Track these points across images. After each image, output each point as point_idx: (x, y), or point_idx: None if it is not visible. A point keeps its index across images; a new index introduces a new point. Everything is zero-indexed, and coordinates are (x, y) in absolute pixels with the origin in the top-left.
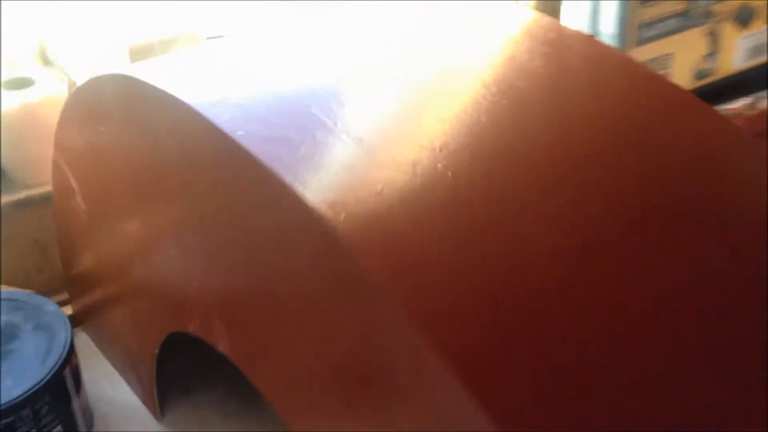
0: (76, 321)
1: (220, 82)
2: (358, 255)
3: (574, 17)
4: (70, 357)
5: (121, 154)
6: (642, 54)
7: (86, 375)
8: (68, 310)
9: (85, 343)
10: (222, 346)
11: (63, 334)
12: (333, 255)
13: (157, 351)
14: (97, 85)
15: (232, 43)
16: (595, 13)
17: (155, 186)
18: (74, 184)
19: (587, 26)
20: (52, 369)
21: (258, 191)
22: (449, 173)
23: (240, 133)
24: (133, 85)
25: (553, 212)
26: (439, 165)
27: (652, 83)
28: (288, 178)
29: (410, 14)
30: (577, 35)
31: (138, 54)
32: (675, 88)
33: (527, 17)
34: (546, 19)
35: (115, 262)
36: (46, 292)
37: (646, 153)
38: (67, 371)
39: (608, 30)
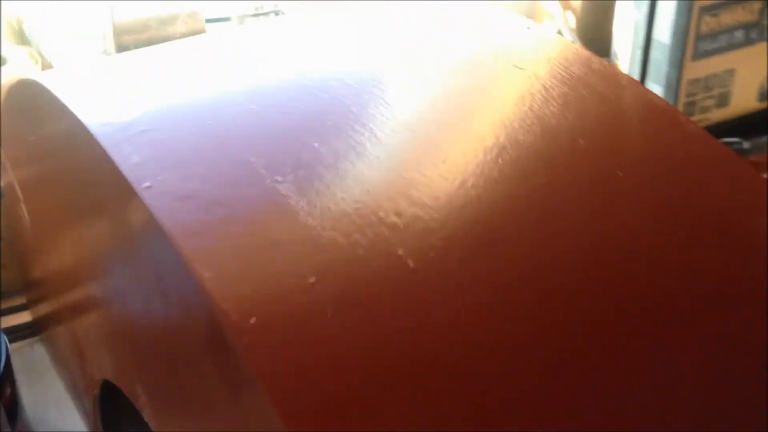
0: (35, 329)
1: (150, 104)
2: (264, 386)
3: (626, 21)
4: (2, 389)
5: (48, 169)
6: (700, 69)
7: (34, 396)
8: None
9: (40, 357)
10: (145, 415)
11: None
12: (233, 372)
13: (97, 392)
14: (23, 89)
15: (195, 46)
16: (650, 18)
17: (72, 214)
18: (18, 193)
19: (640, 32)
20: None
21: (158, 264)
22: (410, 263)
23: (146, 184)
24: (46, 97)
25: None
26: (400, 251)
27: (696, 151)
28: (192, 259)
29: (407, 21)
30: (608, 73)
31: (127, 32)
32: (724, 154)
33: (550, 43)
34: (572, 49)
35: (56, 282)
36: (10, 291)
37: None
38: None
39: (663, 38)
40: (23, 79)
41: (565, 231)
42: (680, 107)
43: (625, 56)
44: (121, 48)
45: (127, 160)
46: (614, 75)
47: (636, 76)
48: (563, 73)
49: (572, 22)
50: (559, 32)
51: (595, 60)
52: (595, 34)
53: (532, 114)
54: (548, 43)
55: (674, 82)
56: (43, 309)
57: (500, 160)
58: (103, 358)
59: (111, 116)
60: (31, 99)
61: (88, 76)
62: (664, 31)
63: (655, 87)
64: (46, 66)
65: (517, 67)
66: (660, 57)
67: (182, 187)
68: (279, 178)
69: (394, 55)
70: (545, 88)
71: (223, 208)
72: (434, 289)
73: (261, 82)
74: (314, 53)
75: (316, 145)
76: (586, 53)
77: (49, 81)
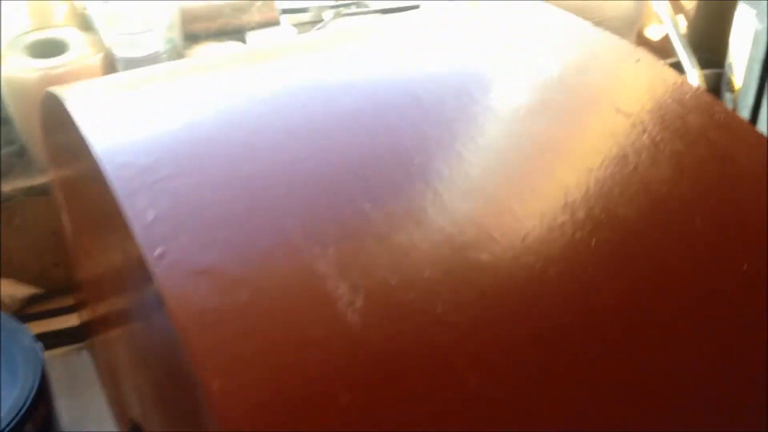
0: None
1: (179, 140)
2: None
3: (745, 31)
4: (34, 409)
5: (75, 184)
6: None
7: (73, 410)
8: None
9: (85, 365)
10: None
11: (30, 378)
12: None
13: (130, 430)
14: (52, 101)
15: (243, 62)
16: None
17: (94, 239)
18: (61, 200)
19: (760, 45)
20: (8, 425)
21: (168, 352)
22: (471, 379)
23: (159, 251)
24: (69, 120)
25: None
26: (459, 361)
27: None
28: (201, 361)
29: (491, 40)
30: (735, 127)
31: (198, 19)
32: None
33: (663, 81)
34: (690, 92)
35: (93, 299)
36: (62, 288)
37: None
38: (29, 428)
39: None
40: (51, 92)
41: (678, 353)
42: None
43: (741, 70)
44: (190, 36)
45: (142, 216)
46: (742, 129)
47: (751, 93)
48: (678, 124)
49: (683, 26)
50: (667, 36)
51: (719, 108)
52: (709, 43)
53: (638, 178)
54: (661, 81)
55: None
56: (86, 317)
57: (594, 241)
58: (131, 397)
59: (133, 154)
60: (58, 114)
61: (116, 97)
62: None
63: None
64: (108, 55)
65: (621, 112)
66: None
67: (201, 257)
68: (318, 251)
69: (473, 86)
70: (654, 143)
71: (246, 291)
72: (500, 419)
73: (313, 116)
74: (375, 75)
75: (368, 207)
76: (707, 98)
77: (73, 102)
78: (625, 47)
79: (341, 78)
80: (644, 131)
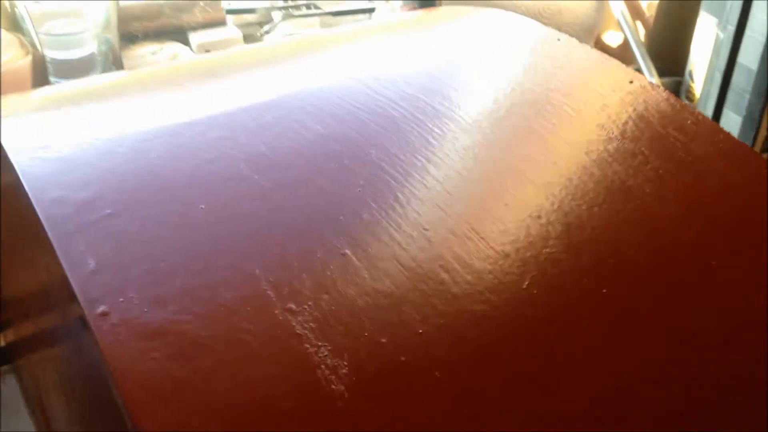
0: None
1: (122, 170)
2: None
3: (707, 40)
4: None
5: (6, 198)
6: None
7: None
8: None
9: (13, 390)
10: None
11: None
12: None
13: None
14: None
15: (192, 76)
16: (736, 40)
17: (26, 266)
18: None
19: (723, 54)
20: None
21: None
22: None
23: (102, 309)
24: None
25: None
26: None
27: None
28: None
29: (445, 60)
30: (741, 154)
31: (137, 18)
32: None
33: (660, 104)
34: (690, 117)
35: (21, 319)
36: None
37: None
38: None
39: (749, 63)
40: None
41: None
42: (759, 142)
43: (701, 78)
44: (128, 37)
45: (80, 265)
46: (749, 158)
47: (712, 101)
48: (681, 154)
49: (641, 34)
50: (625, 43)
51: (723, 135)
52: (668, 50)
53: (645, 216)
54: (656, 105)
55: (757, 113)
56: (11, 336)
57: (605, 291)
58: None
59: (68, 187)
60: None
61: (50, 117)
62: (751, 56)
63: (734, 116)
64: (39, 57)
65: (617, 138)
66: (743, 84)
67: (153, 315)
68: (293, 306)
69: (454, 107)
70: (658, 176)
71: (209, 356)
72: None
73: (278, 143)
74: (345, 95)
75: (347, 251)
76: (709, 123)
77: (2, 122)
78: (615, 67)
79: (309, 98)
80: (646, 162)
